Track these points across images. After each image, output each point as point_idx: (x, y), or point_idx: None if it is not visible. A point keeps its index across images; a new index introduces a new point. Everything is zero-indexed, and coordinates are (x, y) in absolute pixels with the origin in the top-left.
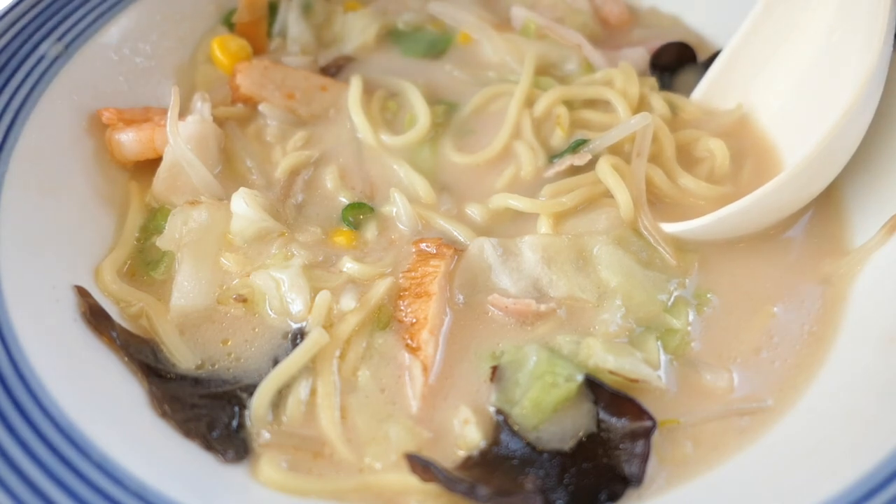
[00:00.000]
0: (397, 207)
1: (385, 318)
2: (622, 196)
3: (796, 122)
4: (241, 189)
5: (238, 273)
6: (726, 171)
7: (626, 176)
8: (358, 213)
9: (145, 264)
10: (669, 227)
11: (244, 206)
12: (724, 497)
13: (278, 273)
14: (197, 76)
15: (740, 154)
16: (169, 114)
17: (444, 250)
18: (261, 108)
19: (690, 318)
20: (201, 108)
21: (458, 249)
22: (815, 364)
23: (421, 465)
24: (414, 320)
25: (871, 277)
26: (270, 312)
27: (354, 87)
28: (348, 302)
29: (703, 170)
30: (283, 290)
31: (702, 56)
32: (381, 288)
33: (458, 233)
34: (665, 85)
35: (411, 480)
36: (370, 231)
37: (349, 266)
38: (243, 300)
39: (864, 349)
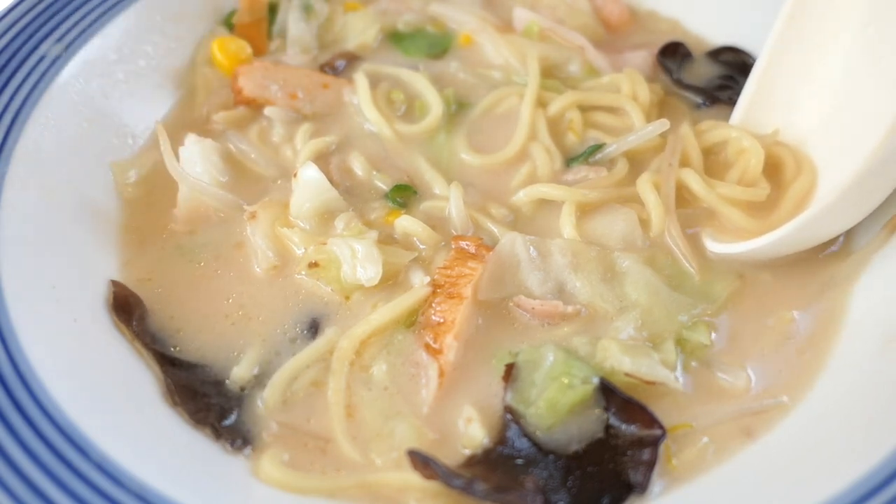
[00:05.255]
0: (451, 205)
1: (411, 319)
2: (656, 212)
3: (841, 132)
4: (309, 162)
5: (312, 242)
6: (758, 175)
7: (659, 187)
8: (404, 194)
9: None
10: (718, 248)
11: (317, 173)
12: (724, 497)
13: (355, 242)
14: (197, 79)
15: (778, 167)
16: (164, 153)
17: (482, 251)
18: (267, 112)
19: (712, 337)
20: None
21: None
22: (816, 365)
23: (421, 461)
24: (441, 320)
25: (873, 278)
26: (343, 278)
27: (361, 83)
28: (419, 278)
29: (734, 175)
30: (358, 259)
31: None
32: (412, 297)
33: (501, 235)
34: (674, 75)
35: (411, 479)
36: (419, 214)
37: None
38: (316, 265)
39: (865, 350)
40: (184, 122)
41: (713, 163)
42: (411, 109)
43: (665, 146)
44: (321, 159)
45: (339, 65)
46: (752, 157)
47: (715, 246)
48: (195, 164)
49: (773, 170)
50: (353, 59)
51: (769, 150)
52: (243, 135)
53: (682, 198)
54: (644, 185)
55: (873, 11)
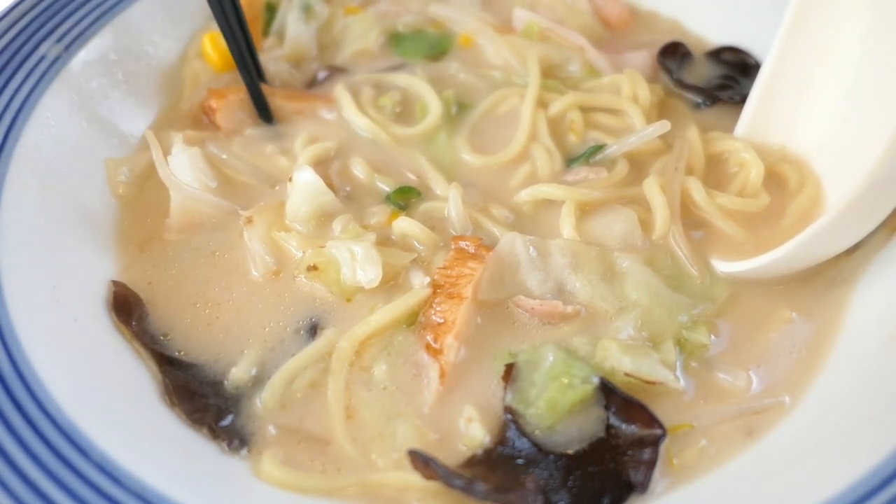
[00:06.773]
0: (450, 206)
1: (412, 319)
2: (661, 214)
3: (845, 146)
4: (304, 165)
5: (309, 245)
6: (758, 188)
7: (665, 190)
8: (406, 196)
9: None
10: (724, 266)
11: (312, 175)
12: (724, 497)
13: (353, 245)
14: (186, 71)
15: (782, 182)
16: (156, 160)
17: (482, 252)
18: (248, 132)
19: (712, 337)
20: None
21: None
22: (816, 365)
23: (422, 461)
24: (441, 321)
25: (873, 278)
26: (343, 280)
27: (344, 98)
28: (419, 279)
29: (735, 187)
30: (357, 261)
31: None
32: (412, 298)
33: (501, 235)
34: (675, 76)
35: (412, 479)
36: (419, 215)
37: (402, 224)
38: (315, 269)
39: (865, 349)
40: (174, 118)
41: (717, 175)
42: (412, 111)
43: (667, 148)
44: (320, 165)
45: (320, 76)
46: (753, 170)
47: (724, 266)
48: (184, 171)
49: (777, 185)
50: (336, 71)
51: (773, 167)
52: (224, 147)
53: (685, 205)
54: (651, 188)
55: (874, 23)
